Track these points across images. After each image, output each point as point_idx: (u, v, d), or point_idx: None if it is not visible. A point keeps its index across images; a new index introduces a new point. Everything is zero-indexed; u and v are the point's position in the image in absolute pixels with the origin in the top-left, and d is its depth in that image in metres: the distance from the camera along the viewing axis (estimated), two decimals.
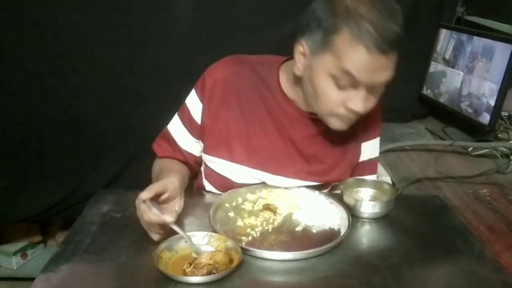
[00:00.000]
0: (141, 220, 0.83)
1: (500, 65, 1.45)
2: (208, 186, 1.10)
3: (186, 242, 0.82)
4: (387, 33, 0.82)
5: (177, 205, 0.88)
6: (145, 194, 0.80)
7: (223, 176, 1.05)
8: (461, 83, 1.63)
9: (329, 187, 1.12)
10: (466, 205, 1.14)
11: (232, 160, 1.03)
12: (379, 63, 0.85)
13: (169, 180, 0.87)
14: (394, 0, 0.87)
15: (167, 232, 0.84)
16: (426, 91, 1.83)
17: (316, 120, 1.01)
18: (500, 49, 1.46)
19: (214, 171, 1.06)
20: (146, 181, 1.14)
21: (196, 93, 1.06)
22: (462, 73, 1.63)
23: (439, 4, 1.78)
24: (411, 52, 1.79)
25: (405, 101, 1.84)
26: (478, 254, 0.86)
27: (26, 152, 1.62)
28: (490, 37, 1.53)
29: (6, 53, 1.50)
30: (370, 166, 1.13)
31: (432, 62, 1.81)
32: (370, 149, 1.12)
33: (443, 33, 1.76)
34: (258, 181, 1.04)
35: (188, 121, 1.08)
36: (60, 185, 1.67)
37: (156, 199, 0.84)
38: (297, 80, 0.97)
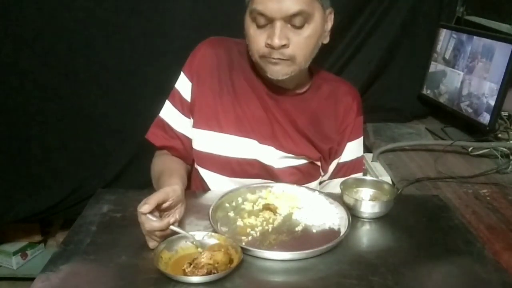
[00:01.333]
0: (142, 227, 0.82)
1: (500, 65, 1.45)
2: (202, 171, 1.10)
3: (193, 242, 0.82)
4: None
5: (178, 212, 0.87)
6: (146, 208, 0.79)
7: (213, 154, 1.07)
8: (461, 83, 1.63)
9: (318, 178, 1.15)
10: (466, 205, 1.14)
11: (222, 131, 1.06)
12: None
13: (171, 188, 0.86)
14: None
15: (166, 238, 0.83)
16: (426, 91, 1.83)
17: (285, 95, 1.07)
18: (500, 49, 1.46)
19: (203, 152, 1.08)
20: (146, 181, 1.15)
21: (185, 74, 1.10)
22: (462, 73, 1.63)
23: (439, 4, 1.78)
24: (411, 52, 1.80)
25: (405, 101, 1.85)
26: (478, 254, 0.86)
27: (26, 153, 1.62)
28: (490, 37, 1.53)
29: (6, 53, 1.50)
30: (357, 165, 1.18)
31: (432, 62, 1.81)
32: (356, 148, 1.16)
33: (443, 33, 1.76)
34: (248, 152, 1.07)
35: (179, 102, 1.11)
36: (60, 185, 1.67)
37: (157, 208, 0.82)
38: None
